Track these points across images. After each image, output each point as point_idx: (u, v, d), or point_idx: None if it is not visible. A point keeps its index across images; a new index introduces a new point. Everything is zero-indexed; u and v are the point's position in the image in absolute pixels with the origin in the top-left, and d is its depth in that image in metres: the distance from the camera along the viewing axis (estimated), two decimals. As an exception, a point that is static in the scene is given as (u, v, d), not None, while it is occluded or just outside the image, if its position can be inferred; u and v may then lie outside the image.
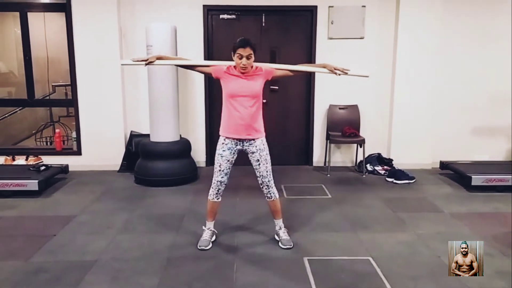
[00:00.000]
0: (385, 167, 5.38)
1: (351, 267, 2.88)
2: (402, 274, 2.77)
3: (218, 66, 3.11)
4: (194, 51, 5.41)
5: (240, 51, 2.91)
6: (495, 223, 3.67)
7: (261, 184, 3.19)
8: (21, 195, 4.28)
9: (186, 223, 3.66)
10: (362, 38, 5.48)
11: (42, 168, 4.70)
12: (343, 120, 5.58)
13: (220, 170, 3.11)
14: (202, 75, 5.44)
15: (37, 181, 4.29)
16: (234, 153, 3.11)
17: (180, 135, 5.14)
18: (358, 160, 5.63)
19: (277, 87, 5.68)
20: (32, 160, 5.25)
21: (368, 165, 5.43)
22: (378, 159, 5.50)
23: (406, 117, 5.53)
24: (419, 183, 4.95)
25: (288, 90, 5.68)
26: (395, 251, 3.12)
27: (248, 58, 2.92)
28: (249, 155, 3.13)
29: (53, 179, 4.83)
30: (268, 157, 3.14)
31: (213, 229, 3.28)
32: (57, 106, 6.39)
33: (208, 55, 5.48)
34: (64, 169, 5.00)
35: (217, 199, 3.20)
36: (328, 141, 5.50)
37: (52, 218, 3.76)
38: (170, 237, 3.34)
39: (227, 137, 3.08)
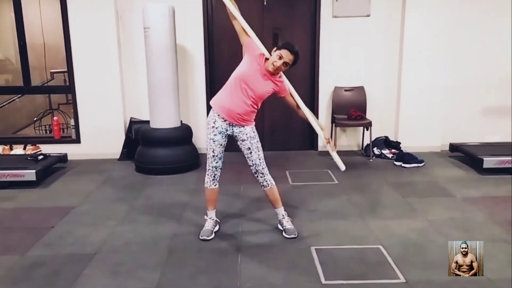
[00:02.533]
0: (393, 150, 5.22)
1: (361, 256, 2.75)
2: (414, 263, 2.64)
3: (254, 44, 2.94)
4: (193, 33, 5.22)
5: (284, 53, 2.79)
6: (510, 207, 3.52)
7: (255, 173, 3.04)
8: (19, 185, 4.16)
9: (187, 213, 3.54)
10: (368, 16, 5.26)
11: (40, 157, 4.58)
12: (348, 102, 5.40)
13: (214, 156, 2.99)
14: (202, 56, 5.28)
15: (34, 171, 4.17)
16: (225, 136, 2.99)
17: (181, 121, 4.99)
18: (365, 144, 5.48)
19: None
20: (30, 149, 5.13)
21: (375, 149, 5.27)
22: (385, 142, 5.34)
23: (414, 98, 5.35)
24: (428, 166, 4.80)
25: (291, 72, 5.38)
26: (406, 238, 2.99)
27: (285, 64, 2.81)
28: (239, 143, 3.00)
29: (52, 168, 4.70)
30: (259, 145, 3.01)
31: (215, 218, 3.15)
32: (54, 93, 6.25)
33: (208, 37, 5.29)
34: (63, 158, 4.87)
35: (214, 185, 3.07)
36: (334, 124, 5.33)
37: (50, 209, 3.65)
38: (171, 228, 3.23)
39: (217, 117, 2.93)
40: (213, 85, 5.38)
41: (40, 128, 6.82)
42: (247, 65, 2.90)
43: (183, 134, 4.81)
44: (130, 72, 5.30)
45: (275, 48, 2.85)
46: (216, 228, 3.14)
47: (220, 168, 3.05)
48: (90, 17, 5.03)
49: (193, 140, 5.08)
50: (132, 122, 5.25)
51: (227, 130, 2.94)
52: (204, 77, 5.39)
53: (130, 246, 2.93)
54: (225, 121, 2.91)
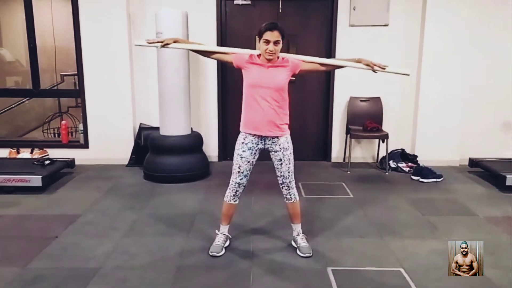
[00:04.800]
0: (410, 164, 5.04)
1: (381, 279, 2.58)
2: (439, 289, 2.46)
3: (240, 54, 2.81)
4: (206, 39, 5.08)
5: (267, 35, 2.61)
6: (537, 230, 3.33)
7: (281, 185, 2.90)
8: (24, 191, 4.05)
9: (197, 224, 3.39)
10: (386, 25, 5.11)
11: (47, 162, 4.47)
12: (364, 113, 5.24)
13: (239, 172, 2.83)
14: (215, 63, 5.16)
15: (40, 176, 4.05)
16: (255, 153, 2.81)
17: (192, 128, 4.86)
18: (380, 156, 5.30)
19: (294, 78, 5.29)
20: (37, 153, 5.02)
21: (391, 162, 5.09)
22: (401, 155, 5.16)
23: (433, 110, 5.16)
24: (447, 182, 4.60)
25: (306, 81, 5.35)
26: (429, 261, 2.81)
27: (275, 44, 2.63)
28: (271, 154, 2.84)
29: (59, 173, 4.59)
30: (292, 157, 2.86)
31: (227, 234, 3.00)
32: (63, 96, 6.15)
33: (222, 43, 5.16)
34: (70, 163, 4.75)
35: (234, 201, 2.92)
36: (349, 135, 5.17)
37: (55, 217, 3.52)
38: (180, 241, 3.08)
39: (247, 134, 2.78)
40: (225, 93, 5.25)
41: (49, 131, 6.72)
42: (248, 73, 2.75)
43: (193, 142, 4.67)
44: (141, 77, 5.19)
45: (257, 39, 2.70)
46: (227, 243, 2.99)
47: (244, 186, 2.88)
48: (102, 21, 4.94)
49: (204, 148, 4.94)
50: (142, 128, 5.13)
51: (257, 145, 2.78)
52: (216, 84, 5.26)
53: (135, 261, 2.79)
54: (255, 135, 2.76)
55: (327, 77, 5.31)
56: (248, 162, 2.81)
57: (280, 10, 5.14)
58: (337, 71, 5.23)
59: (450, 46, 5.02)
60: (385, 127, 5.20)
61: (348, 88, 5.27)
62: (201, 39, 5.05)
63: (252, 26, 5.15)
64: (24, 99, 6.65)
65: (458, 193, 4.22)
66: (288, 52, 5.29)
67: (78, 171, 4.84)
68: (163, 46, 2.84)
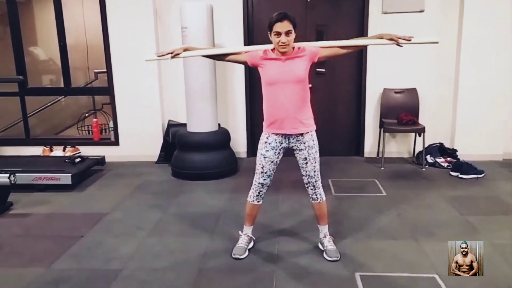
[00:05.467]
0: (448, 159, 4.76)
1: (414, 287, 2.40)
2: (478, 299, 2.27)
3: (253, 51, 2.67)
4: (232, 32, 4.99)
5: (278, 27, 2.46)
6: None
7: (307, 184, 2.76)
8: (55, 189, 4.11)
9: (222, 224, 3.31)
10: (422, 11, 4.82)
11: (77, 160, 4.52)
12: (399, 105, 4.98)
13: (262, 172, 2.72)
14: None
15: (70, 174, 4.10)
16: (279, 153, 2.69)
17: (219, 125, 4.79)
18: (417, 151, 5.03)
19: (323, 70, 5.16)
20: (69, 151, 5.11)
21: (428, 157, 4.82)
22: (439, 149, 4.88)
23: (473, 101, 4.84)
24: (489, 178, 4.30)
25: (336, 72, 5.15)
26: (467, 267, 2.60)
27: (287, 34, 2.47)
28: (295, 152, 2.70)
29: (89, 171, 4.64)
30: (317, 155, 2.71)
31: (250, 235, 2.90)
32: (93, 94, 6.23)
33: (248, 36, 5.04)
34: (100, 160, 4.80)
35: (258, 201, 2.81)
36: (382, 129, 4.93)
37: (83, 216, 3.54)
38: (203, 242, 3.01)
39: (271, 133, 2.65)
40: (253, 88, 5.13)
41: (83, 129, 6.85)
42: (264, 70, 2.61)
43: (221, 138, 4.60)
44: (169, 73, 5.16)
45: (268, 32, 2.55)
46: (251, 245, 2.89)
47: (268, 186, 2.77)
48: (129, 16, 4.93)
49: (232, 144, 4.86)
50: (170, 125, 5.10)
51: (281, 144, 2.65)
52: (243, 79, 5.15)
53: (158, 262, 2.74)
54: (278, 134, 2.64)
55: (358, 68, 5.09)
56: (272, 162, 2.70)
57: (309, 0, 4.95)
58: (369, 62, 5.01)
59: (491, 33, 4.68)
60: (422, 120, 4.93)
61: (381, 79, 5.03)
62: (227, 33, 5.00)
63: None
64: (59, 97, 6.80)
65: (501, 190, 3.93)
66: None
67: (108, 169, 4.89)
68: (173, 57, 2.72)
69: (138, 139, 5.22)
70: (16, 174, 3.93)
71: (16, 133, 5.73)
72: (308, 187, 2.77)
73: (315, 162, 2.70)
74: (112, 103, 5.20)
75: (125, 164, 5.11)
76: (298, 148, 2.67)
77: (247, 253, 2.80)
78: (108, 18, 4.96)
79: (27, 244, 3.04)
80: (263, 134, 2.72)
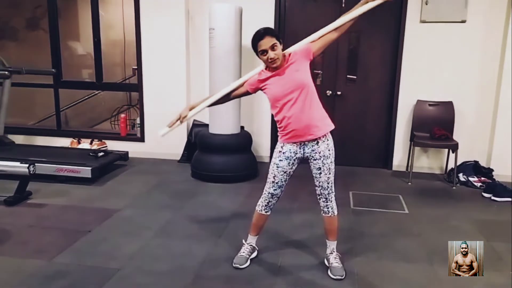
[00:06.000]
0: (482, 178, 4.45)
1: (420, 317, 2.22)
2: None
3: (250, 79, 2.59)
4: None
5: (261, 45, 2.38)
6: None
7: (319, 196, 2.63)
8: (75, 181, 4.18)
9: (230, 229, 3.23)
10: (463, 21, 4.53)
11: (100, 154, 4.59)
12: (433, 118, 4.72)
13: (273, 182, 2.61)
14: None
15: (90, 168, 4.15)
16: (293, 163, 2.58)
17: (243, 127, 4.72)
18: (449, 168, 4.74)
19: (355, 77, 4.98)
20: (96, 144, 5.20)
21: (460, 175, 4.53)
22: (474, 168, 4.57)
23: (515, 119, 4.51)
24: (526, 203, 3.98)
25: (368, 80, 4.95)
26: (483, 300, 2.39)
27: (273, 49, 2.38)
28: (310, 162, 2.58)
29: (111, 165, 4.70)
30: (333, 166, 2.57)
31: (254, 245, 2.80)
32: (123, 90, 6.34)
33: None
34: (124, 156, 4.85)
35: (266, 212, 2.70)
36: (412, 143, 4.69)
37: (95, 210, 3.57)
38: (207, 247, 2.94)
39: (286, 143, 2.55)
40: (280, 91, 5.01)
41: (116, 123, 6.99)
42: (268, 90, 2.50)
43: (242, 141, 4.53)
44: (197, 73, 5.15)
45: (256, 54, 2.45)
46: (254, 254, 2.79)
47: (278, 197, 2.67)
48: (161, 16, 4.96)
49: (255, 147, 4.78)
50: (194, 125, 5.09)
51: (296, 154, 2.54)
52: (271, 82, 5.05)
53: (157, 265, 2.69)
54: (294, 143, 2.53)
55: (391, 77, 4.86)
56: (285, 172, 2.59)
57: (343, 5, 4.78)
58: (403, 72, 4.77)
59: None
60: (457, 135, 4.64)
61: (415, 90, 4.78)
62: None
63: (313, 22, 4.87)
64: (97, 92, 6.97)
65: (537, 218, 3.62)
66: (351, 51, 4.96)
67: (131, 164, 4.93)
68: (182, 122, 2.69)
69: (163, 137, 5.22)
70: (38, 165, 4.05)
71: (53, 124, 5.90)
72: (320, 199, 2.64)
73: (330, 173, 2.57)
74: (140, 99, 5.25)
75: (148, 161, 5.15)
76: (313, 158, 2.55)
77: (248, 263, 2.71)
78: (141, 16, 5.01)
79: (36, 235, 3.09)
80: (278, 143, 2.62)
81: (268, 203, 2.68)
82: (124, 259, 2.73)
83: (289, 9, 4.93)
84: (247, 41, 4.71)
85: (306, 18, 4.91)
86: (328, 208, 2.64)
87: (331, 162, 2.56)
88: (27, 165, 3.55)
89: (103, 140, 5.32)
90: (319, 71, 5.06)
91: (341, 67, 4.96)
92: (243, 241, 2.82)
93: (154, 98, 5.19)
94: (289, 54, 2.48)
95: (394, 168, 5.01)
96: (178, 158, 5.20)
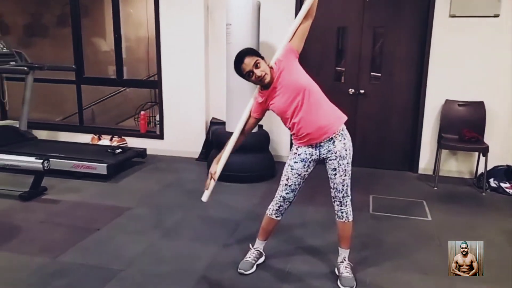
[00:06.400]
0: (515, 185, 4.16)
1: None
2: None
3: (253, 106, 2.48)
4: (281, 30, 4.72)
5: (244, 68, 2.30)
6: None
7: (333, 198, 2.49)
8: (91, 177, 4.18)
9: (240, 232, 3.13)
10: (496, 16, 4.23)
11: (118, 151, 4.58)
12: (462, 119, 4.44)
13: (286, 185, 2.49)
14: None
15: (106, 165, 4.14)
16: (308, 165, 2.45)
17: (261, 126, 4.60)
18: (479, 172, 4.46)
19: (379, 74, 4.77)
20: (116, 141, 5.21)
21: (491, 180, 4.25)
22: (506, 173, 4.27)
23: (553, 121, 4.19)
24: None
25: (393, 78, 4.72)
26: (506, 320, 2.19)
27: (257, 67, 2.27)
28: (326, 162, 2.44)
29: (129, 162, 4.68)
30: (349, 168, 2.43)
31: (261, 250, 2.68)
32: (143, 87, 6.34)
33: (300, 36, 4.76)
34: (141, 153, 4.83)
35: (276, 216, 2.58)
36: (439, 144, 4.44)
37: (107, 208, 3.54)
38: (214, 250, 2.85)
39: (301, 146, 2.44)
40: (301, 89, 4.85)
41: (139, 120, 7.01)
42: (273, 106, 2.39)
43: (259, 140, 4.41)
44: (216, 70, 5.06)
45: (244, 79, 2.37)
46: (260, 260, 2.67)
47: (290, 202, 2.55)
48: (180, 11, 4.90)
49: (274, 147, 4.66)
50: (212, 122, 5.01)
51: (312, 155, 2.41)
52: (292, 79, 4.89)
53: (161, 266, 2.62)
54: (310, 145, 2.41)
55: (418, 75, 4.61)
56: (299, 175, 2.46)
57: (368, -1, 4.58)
58: (431, 69, 4.52)
59: None
60: (487, 138, 4.35)
61: (444, 89, 4.52)
62: (275, 32, 4.76)
63: (335, 17, 4.72)
64: (122, 89, 7.03)
65: None
66: (374, 46, 4.75)
67: (149, 162, 4.90)
68: (215, 179, 2.61)
69: (181, 134, 5.20)
70: (56, 161, 4.08)
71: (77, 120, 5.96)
72: (334, 202, 2.50)
73: (345, 175, 2.42)
74: (160, 97, 5.22)
75: (166, 158, 5.11)
76: (329, 159, 2.41)
77: (254, 268, 2.60)
78: (161, 12, 4.97)
79: (45, 231, 3.09)
80: (293, 146, 2.51)
81: (279, 207, 2.56)
82: (128, 260, 2.68)
83: (312, 4, 4.75)
84: (265, 37, 4.63)
85: (328, 13, 4.71)
86: (342, 212, 2.50)
87: (347, 163, 2.41)
88: (41, 160, 3.56)
89: (122, 137, 5.33)
90: (342, 68, 4.87)
91: (365, 64, 4.75)
92: (250, 245, 2.71)
93: (173, 95, 5.15)
94: (275, 63, 2.37)
95: (420, 171, 4.76)
96: (196, 156, 5.14)
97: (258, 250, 2.67)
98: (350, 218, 2.51)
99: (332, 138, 2.36)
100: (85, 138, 5.47)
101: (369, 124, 4.83)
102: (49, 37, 7.48)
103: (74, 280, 2.44)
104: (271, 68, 2.35)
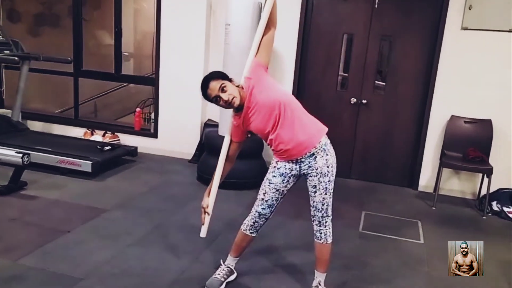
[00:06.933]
0: (519, 210, 3.91)
1: None
2: None
3: (232, 130, 2.34)
4: (285, 33, 4.55)
5: (210, 93, 2.16)
6: None
7: (312, 217, 2.33)
8: (76, 174, 4.04)
9: (218, 243, 2.98)
10: (510, 31, 3.99)
11: (107, 148, 4.45)
12: (467, 137, 4.21)
13: (263, 199, 2.34)
14: (292, 62, 4.63)
15: (91, 162, 4.01)
16: (287, 181, 2.29)
17: (256, 131, 4.42)
18: (482, 194, 4.22)
19: (383, 83, 4.56)
20: (108, 137, 5.08)
21: (494, 203, 4.01)
22: (511, 197, 4.03)
23: None
24: None
25: (397, 89, 4.50)
26: None
27: (223, 91, 2.12)
28: (307, 178, 2.28)
29: (120, 160, 4.56)
30: (331, 186, 2.25)
31: (232, 268, 2.51)
32: (140, 83, 6.17)
33: (303, 40, 4.58)
34: (132, 151, 4.69)
35: (250, 233, 2.42)
36: (440, 162, 4.21)
37: (83, 208, 3.40)
38: (184, 263, 2.69)
39: (280, 160, 2.28)
40: (301, 94, 4.67)
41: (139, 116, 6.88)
42: (251, 126, 2.24)
43: (252, 146, 4.20)
44: (215, 69, 4.89)
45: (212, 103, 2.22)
46: (231, 277, 2.51)
47: (266, 218, 2.39)
48: (182, 9, 4.75)
49: (266, 153, 4.46)
50: (207, 124, 4.85)
51: (292, 170, 2.26)
52: (292, 85, 4.71)
53: (123, 278, 2.47)
54: (290, 160, 2.24)
55: (424, 88, 4.39)
56: (277, 190, 2.30)
57: (376, 6, 4.36)
58: (437, 83, 4.29)
59: None
60: (493, 158, 4.11)
61: (449, 104, 4.29)
62: (278, 34, 4.58)
63: (342, 23, 4.52)
64: (123, 84, 6.89)
65: None
66: (381, 56, 4.53)
67: (139, 160, 4.77)
68: (208, 213, 2.45)
69: (176, 134, 5.06)
70: (41, 154, 3.98)
71: (83, 112, 5.85)
72: (313, 221, 2.34)
73: (326, 194, 2.25)
74: (156, 94, 5.08)
75: (158, 158, 4.97)
76: (309, 174, 2.25)
77: (222, 286, 2.42)
78: (162, 8, 4.82)
79: (12, 230, 2.96)
80: (273, 160, 2.34)
81: (254, 223, 2.40)
82: (91, 268, 2.53)
83: (317, 8, 4.56)
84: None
85: (334, 18, 4.54)
86: (321, 233, 2.33)
87: (328, 181, 2.23)
88: (21, 155, 3.44)
89: (115, 133, 5.20)
90: (346, 74, 4.66)
91: (369, 73, 4.53)
92: (221, 261, 2.54)
93: (170, 93, 5.01)
94: (246, 80, 2.21)
95: (420, 189, 4.53)
96: (189, 157, 4.99)
97: (229, 267, 2.50)
98: (329, 240, 2.34)
99: (313, 154, 2.19)
100: (79, 132, 5.36)
101: (370, 136, 4.62)
102: (59, 27, 7.41)
103: (30, 287, 2.29)
104: (241, 88, 2.19)
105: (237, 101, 2.14)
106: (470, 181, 4.41)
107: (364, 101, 4.57)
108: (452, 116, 4.29)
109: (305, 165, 2.23)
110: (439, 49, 4.23)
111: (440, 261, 2.96)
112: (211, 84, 2.15)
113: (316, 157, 2.20)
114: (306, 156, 2.20)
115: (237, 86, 2.20)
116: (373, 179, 4.65)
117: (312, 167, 2.21)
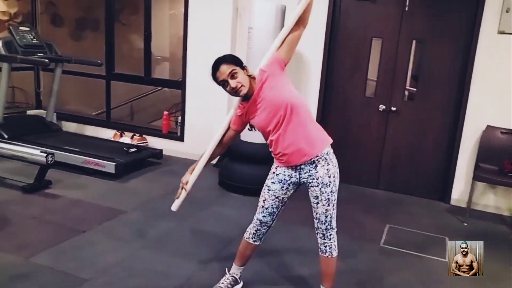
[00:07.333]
0: (560, 230, 3.60)
1: None
2: None
3: (233, 117, 2.26)
4: (312, 38, 4.45)
5: (219, 76, 2.09)
6: None
7: (316, 230, 2.24)
8: (100, 175, 4.13)
9: (229, 249, 2.91)
10: (554, 35, 3.71)
11: (132, 150, 4.52)
12: (504, 149, 3.92)
13: (263, 207, 2.28)
14: (319, 68, 4.51)
15: (114, 164, 4.08)
16: (287, 188, 2.21)
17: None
18: (520, 211, 3.93)
19: (415, 89, 4.36)
20: (136, 139, 5.17)
21: (532, 221, 3.72)
22: (551, 215, 3.73)
23: None
24: None
25: (429, 96, 4.28)
26: None
27: (233, 77, 2.05)
28: (308, 189, 2.19)
29: (145, 162, 4.62)
30: (333, 197, 2.15)
31: (237, 277, 2.45)
32: (167, 87, 6.23)
33: (330, 45, 4.47)
34: (157, 154, 4.74)
35: (254, 241, 2.35)
36: (474, 175, 3.95)
37: (102, 209, 3.45)
38: (192, 269, 2.66)
39: (280, 166, 2.21)
40: (327, 100, 4.54)
41: (171, 120, 6.97)
42: (253, 120, 2.18)
43: (267, 151, 4.10)
44: (241, 74, 4.87)
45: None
46: (237, 287, 2.44)
47: (268, 226, 2.32)
48: (209, 13, 4.76)
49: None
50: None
51: (291, 177, 2.18)
52: (318, 90, 4.58)
53: (130, 281, 2.47)
54: (290, 167, 2.17)
55: (458, 97, 4.15)
56: (276, 197, 2.22)
57: (407, 9, 4.18)
58: (472, 91, 4.05)
59: None
60: (532, 173, 3.81)
61: (485, 113, 4.03)
62: (304, 38, 4.48)
63: (371, 26, 4.38)
64: (158, 88, 7.02)
65: None
66: (412, 61, 4.34)
67: (164, 163, 4.81)
68: (186, 189, 2.37)
69: (202, 138, 5.01)
70: (69, 154, 4.11)
71: (115, 115, 6.00)
72: (317, 234, 2.24)
73: (328, 205, 2.15)
74: (183, 97, 5.12)
75: (183, 161, 4.97)
76: (310, 184, 2.16)
77: (226, 296, 2.37)
78: (189, 12, 4.86)
79: (31, 228, 3.04)
80: (274, 164, 2.28)
81: (256, 231, 2.33)
82: (99, 269, 2.55)
83: (344, 10, 4.43)
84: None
85: (363, 21, 4.39)
86: (325, 246, 2.23)
87: (331, 191, 2.14)
88: (45, 154, 3.55)
89: (144, 136, 5.28)
90: (374, 79, 4.49)
91: (399, 79, 4.34)
92: (226, 270, 2.48)
93: (196, 97, 5.03)
94: (260, 72, 2.14)
95: (452, 203, 4.28)
96: (215, 161, 4.98)
97: (233, 276, 2.43)
98: (335, 254, 2.23)
99: (314, 162, 2.09)
100: (110, 134, 5.49)
101: (399, 145, 4.42)
102: (99, 31, 7.66)
103: (35, 285, 2.34)
104: (253, 78, 2.11)
105: (244, 90, 2.08)
106: (507, 196, 4.11)
107: (393, 108, 4.38)
108: (488, 126, 4.02)
109: (305, 173, 2.14)
110: (474, 54, 3.98)
111: (465, 282, 2.75)
112: (222, 68, 2.09)
113: (316, 165, 2.11)
114: (306, 163, 2.11)
115: (249, 76, 2.12)
116: (402, 190, 4.45)
117: (313, 176, 2.12)
